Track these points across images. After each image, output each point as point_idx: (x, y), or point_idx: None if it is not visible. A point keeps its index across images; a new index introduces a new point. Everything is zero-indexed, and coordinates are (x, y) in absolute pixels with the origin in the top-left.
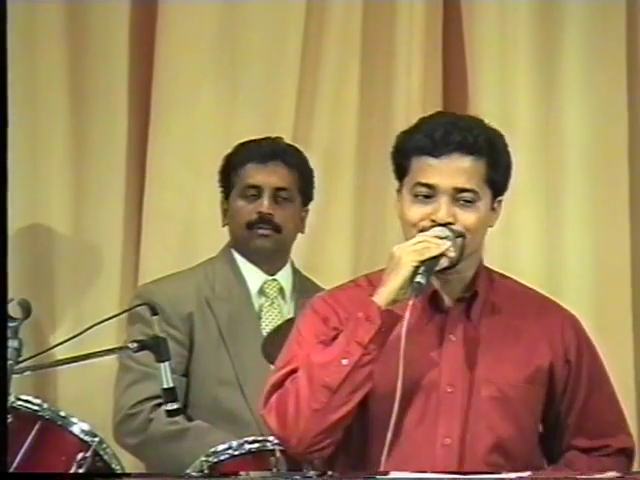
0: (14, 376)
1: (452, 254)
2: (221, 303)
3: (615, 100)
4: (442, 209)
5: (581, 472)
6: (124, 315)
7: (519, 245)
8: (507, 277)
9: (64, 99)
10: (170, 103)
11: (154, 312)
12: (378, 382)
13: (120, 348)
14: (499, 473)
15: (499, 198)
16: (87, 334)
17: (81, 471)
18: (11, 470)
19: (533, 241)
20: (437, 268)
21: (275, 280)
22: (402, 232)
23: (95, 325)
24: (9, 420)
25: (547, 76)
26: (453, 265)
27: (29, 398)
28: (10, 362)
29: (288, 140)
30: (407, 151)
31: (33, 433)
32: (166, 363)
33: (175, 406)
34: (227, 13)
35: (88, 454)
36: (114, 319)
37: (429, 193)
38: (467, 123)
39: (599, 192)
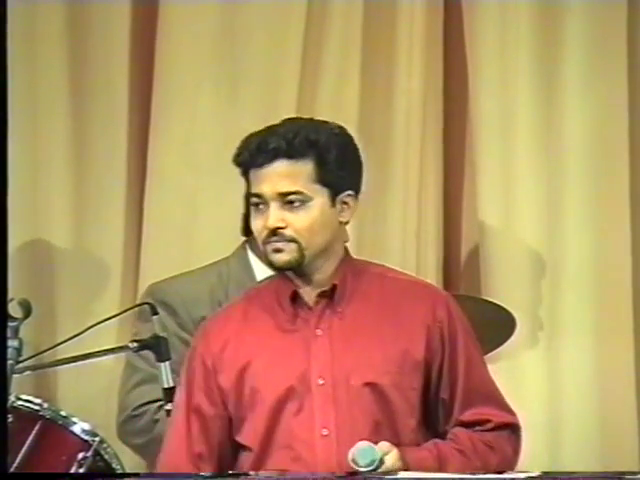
0: (14, 376)
1: None
2: None
3: (616, 100)
4: (270, 216)
5: (465, 446)
6: (126, 314)
7: (520, 244)
8: (377, 265)
9: (64, 99)
10: (171, 103)
11: (154, 312)
12: (258, 382)
13: (121, 347)
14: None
15: (347, 193)
16: (88, 334)
17: (82, 471)
18: (12, 470)
19: (534, 240)
20: None
21: None
22: (401, 232)
23: (96, 324)
24: (10, 420)
25: (548, 76)
26: (298, 265)
27: (30, 398)
28: (10, 362)
29: None
30: (241, 167)
31: (34, 433)
32: (167, 363)
33: None
34: (228, 13)
35: (89, 454)
36: (115, 319)
37: (260, 202)
38: (287, 128)
39: (600, 191)
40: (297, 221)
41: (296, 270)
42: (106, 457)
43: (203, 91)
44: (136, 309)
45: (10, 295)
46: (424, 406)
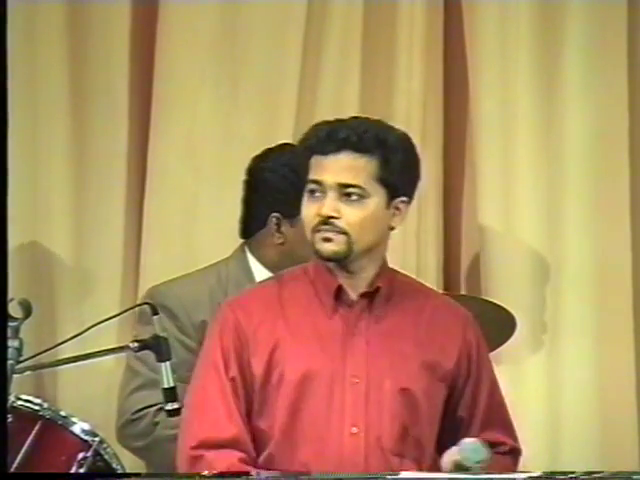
0: (14, 376)
1: None
2: None
3: (616, 100)
4: (326, 204)
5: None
6: (125, 315)
7: (520, 245)
8: (409, 277)
9: (64, 99)
10: (171, 103)
11: (154, 312)
12: (289, 373)
13: (121, 348)
14: (403, 462)
15: (402, 199)
16: (88, 334)
17: (82, 471)
18: (12, 470)
19: (534, 241)
20: None
21: None
22: (401, 232)
23: (96, 325)
24: (9, 420)
25: (548, 76)
26: (344, 258)
27: (30, 398)
28: (11, 362)
29: (288, 140)
30: (303, 152)
31: (33, 433)
32: (167, 363)
33: (175, 406)
34: (228, 13)
35: (89, 454)
36: (115, 319)
37: (318, 189)
38: (358, 123)
39: (600, 192)
40: (351, 214)
41: (342, 265)
42: (106, 457)
43: (203, 91)
44: (136, 312)
45: (10, 295)
46: (445, 421)
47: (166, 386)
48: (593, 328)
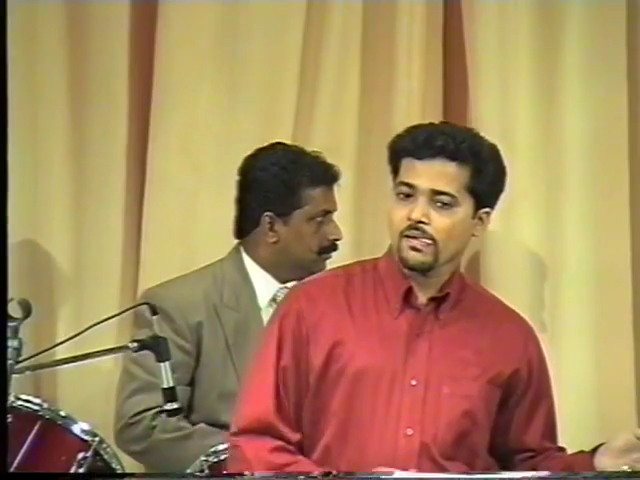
0: (14, 376)
1: None
2: (229, 312)
3: (615, 100)
4: (417, 209)
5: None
6: (124, 315)
7: (520, 248)
8: (475, 283)
9: (64, 99)
10: (170, 103)
11: (154, 312)
12: (349, 369)
13: (120, 348)
14: (456, 466)
15: (486, 210)
16: (87, 333)
17: (81, 471)
18: (11, 470)
19: (533, 244)
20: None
21: (287, 289)
22: None
23: (95, 325)
24: (9, 420)
25: (548, 78)
26: (428, 269)
27: (29, 398)
28: (10, 362)
29: (288, 140)
30: (395, 152)
31: (33, 433)
32: (166, 363)
33: (175, 406)
34: (227, 13)
35: (88, 454)
36: (114, 319)
37: (409, 193)
38: (454, 130)
39: (600, 193)
40: (440, 221)
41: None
42: (106, 457)
43: (203, 91)
44: (133, 315)
45: (10, 295)
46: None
47: (165, 386)
48: (592, 327)
